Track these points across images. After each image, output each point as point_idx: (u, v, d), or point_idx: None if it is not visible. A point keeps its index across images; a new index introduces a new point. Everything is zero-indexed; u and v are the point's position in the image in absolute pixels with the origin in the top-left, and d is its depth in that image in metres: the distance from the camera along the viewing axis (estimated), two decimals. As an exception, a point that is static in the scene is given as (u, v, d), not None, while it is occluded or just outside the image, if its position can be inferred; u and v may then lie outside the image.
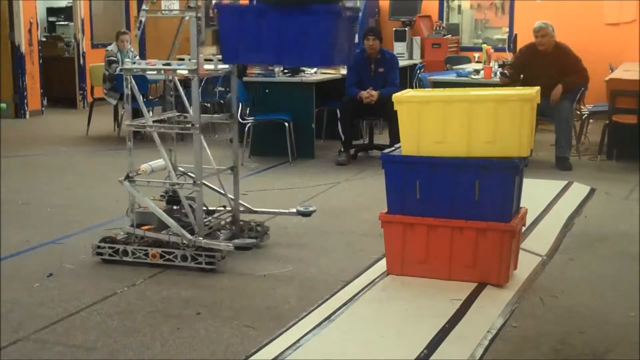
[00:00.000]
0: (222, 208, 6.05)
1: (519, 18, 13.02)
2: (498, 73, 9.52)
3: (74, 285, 5.17)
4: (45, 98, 13.80)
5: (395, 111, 5.06)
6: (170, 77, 6.04)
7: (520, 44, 10.33)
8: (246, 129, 9.22)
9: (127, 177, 5.65)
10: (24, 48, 13.15)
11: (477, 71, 9.99)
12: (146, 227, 5.64)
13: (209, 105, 11.43)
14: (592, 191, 7.69)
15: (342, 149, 9.23)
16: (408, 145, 5.05)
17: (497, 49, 11.96)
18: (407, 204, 5.06)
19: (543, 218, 6.65)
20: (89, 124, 11.28)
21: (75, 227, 6.52)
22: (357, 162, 9.23)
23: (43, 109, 13.63)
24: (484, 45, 10.93)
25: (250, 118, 9.27)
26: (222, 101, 11.50)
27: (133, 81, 5.60)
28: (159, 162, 5.86)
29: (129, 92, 5.59)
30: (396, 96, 5.08)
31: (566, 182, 8.01)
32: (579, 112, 10.01)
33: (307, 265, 5.49)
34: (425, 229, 5.05)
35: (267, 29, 5.15)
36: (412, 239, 5.09)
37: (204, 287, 5.13)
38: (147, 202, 5.60)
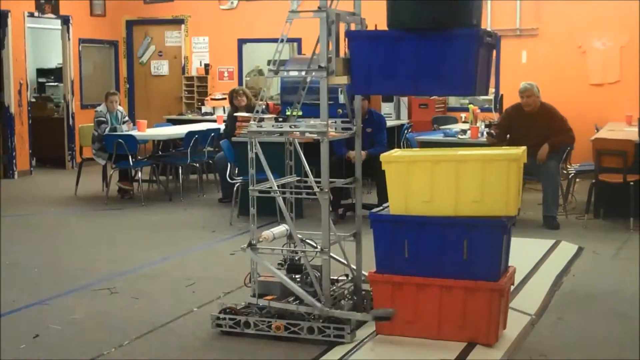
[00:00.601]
0: (344, 277, 5.73)
1: (504, 79, 13.17)
2: (485, 133, 9.60)
3: (60, 346, 5.12)
4: (34, 158, 13.81)
5: (383, 171, 5.09)
6: (290, 140, 5.72)
7: (506, 105, 10.42)
8: (234, 188, 9.23)
9: (250, 245, 5.38)
10: (13, 109, 13.20)
11: (464, 131, 10.07)
12: (269, 297, 5.35)
13: (197, 165, 11.47)
14: (579, 250, 7.71)
15: (331, 209, 9.23)
16: (396, 205, 5.07)
17: (483, 109, 12.07)
18: (396, 263, 5.06)
19: (532, 277, 6.65)
20: (77, 184, 11.28)
21: (62, 288, 6.48)
22: (346, 221, 9.24)
23: (32, 169, 13.63)
24: (471, 106, 11.03)
25: (239, 178, 9.29)
26: (210, 161, 11.55)
27: (258, 145, 5.36)
28: (280, 229, 5.60)
29: (254, 156, 5.35)
30: (384, 156, 5.11)
31: (554, 241, 8.03)
32: (565, 172, 10.08)
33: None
34: (414, 288, 5.04)
35: (403, 56, 4.93)
36: (400, 298, 5.07)
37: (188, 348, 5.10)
38: (274, 272, 5.31)
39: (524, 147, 5.31)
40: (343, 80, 5.15)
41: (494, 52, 5.39)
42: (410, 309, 5.06)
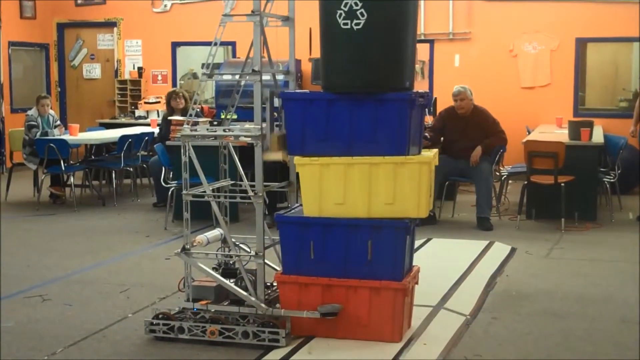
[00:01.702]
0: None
1: (437, 82, 13.31)
2: (419, 136, 9.68)
3: (-9, 355, 5.02)
4: (-38, 164, 13.51)
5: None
6: (225, 143, 5.72)
7: (440, 108, 10.54)
8: (169, 193, 9.15)
9: (184, 249, 5.33)
10: (-60, 113, 12.90)
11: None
12: (203, 302, 5.30)
13: (131, 169, 11.35)
14: (512, 250, 7.81)
15: (267, 212, 9.19)
16: (310, 207, 5.10)
17: (417, 112, 12.16)
18: (302, 264, 5.11)
19: (466, 278, 6.71)
20: (7, 189, 11.06)
21: (-8, 296, 6.35)
22: (281, 225, 9.22)
23: (-40, 174, 13.32)
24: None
25: (173, 182, 9.21)
26: (144, 165, 11.44)
27: (192, 149, 5.32)
28: (214, 233, 5.58)
29: (187, 160, 5.30)
30: (298, 159, 5.13)
31: (487, 242, 8.12)
32: (498, 173, 10.22)
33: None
34: (320, 288, 5.09)
35: (337, 119, 5.01)
36: (307, 298, 5.11)
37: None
38: (212, 275, 5.30)
39: (435, 150, 5.40)
40: (278, 156, 5.21)
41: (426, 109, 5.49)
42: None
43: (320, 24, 5.05)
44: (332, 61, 5.06)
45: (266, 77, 5.20)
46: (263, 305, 5.14)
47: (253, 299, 5.16)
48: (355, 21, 4.84)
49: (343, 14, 4.86)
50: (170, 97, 10.66)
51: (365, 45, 4.89)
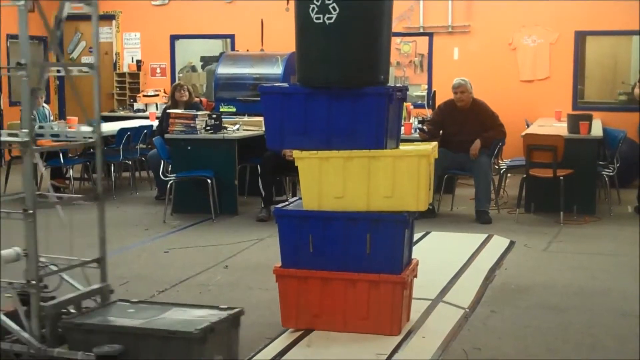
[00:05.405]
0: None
1: (437, 75, 13.29)
2: (418, 129, 9.68)
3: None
4: (-39, 157, 13.48)
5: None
6: None
7: (439, 101, 10.53)
8: (168, 186, 9.14)
9: None
10: (-62, 106, 12.87)
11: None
12: None
13: (130, 162, 11.34)
14: (511, 244, 7.81)
15: (263, 205, 9.20)
16: (309, 201, 5.10)
17: (416, 106, 12.15)
18: (301, 257, 5.11)
19: (464, 271, 6.71)
20: (6, 182, 11.04)
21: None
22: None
23: (-42, 168, 13.30)
24: (403, 102, 11.07)
25: (172, 175, 9.21)
26: (143, 159, 11.42)
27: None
28: (8, 252, 5.00)
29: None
30: (297, 152, 5.12)
31: (486, 235, 8.12)
32: (497, 167, 10.21)
33: (231, 322, 5.42)
34: (319, 282, 5.10)
35: (315, 113, 5.01)
36: (306, 292, 5.13)
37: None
38: None
39: (434, 143, 5.39)
40: None
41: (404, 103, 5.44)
42: (316, 303, 5.12)
43: (295, 18, 5.06)
44: (306, 55, 5.07)
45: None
46: (36, 343, 4.45)
47: (26, 335, 4.48)
48: (327, 15, 4.85)
49: (316, 9, 4.86)
50: (175, 89, 10.66)
51: (338, 40, 4.89)
